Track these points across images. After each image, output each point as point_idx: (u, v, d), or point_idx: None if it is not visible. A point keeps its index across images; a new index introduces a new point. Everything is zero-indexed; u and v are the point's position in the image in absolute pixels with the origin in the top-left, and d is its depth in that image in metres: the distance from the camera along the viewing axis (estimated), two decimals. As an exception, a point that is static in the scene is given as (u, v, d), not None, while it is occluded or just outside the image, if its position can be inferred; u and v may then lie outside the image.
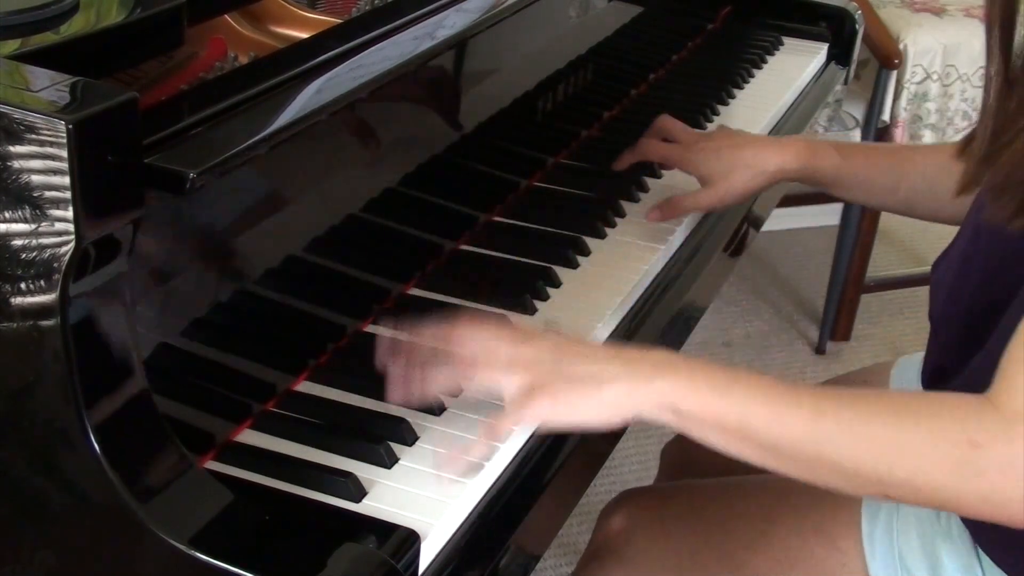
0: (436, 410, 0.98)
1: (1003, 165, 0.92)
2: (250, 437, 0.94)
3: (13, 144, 0.72)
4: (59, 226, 0.73)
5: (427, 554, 0.85)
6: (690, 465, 1.44)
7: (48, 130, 0.71)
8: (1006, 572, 1.02)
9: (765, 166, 1.27)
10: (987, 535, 1.03)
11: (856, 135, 2.53)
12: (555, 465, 0.99)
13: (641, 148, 1.36)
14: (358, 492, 0.88)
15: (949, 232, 1.16)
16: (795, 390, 0.88)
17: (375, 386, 0.99)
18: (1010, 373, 0.85)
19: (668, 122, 1.37)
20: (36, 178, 0.72)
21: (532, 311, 1.13)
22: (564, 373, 0.90)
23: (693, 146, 1.31)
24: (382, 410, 0.98)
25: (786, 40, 1.85)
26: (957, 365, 1.03)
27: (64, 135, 0.71)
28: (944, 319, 1.11)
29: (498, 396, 0.93)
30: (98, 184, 0.74)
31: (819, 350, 2.66)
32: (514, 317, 1.11)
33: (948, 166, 1.11)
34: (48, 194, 0.72)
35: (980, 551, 1.04)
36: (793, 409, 0.86)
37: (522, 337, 0.93)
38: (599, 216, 1.30)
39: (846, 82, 1.88)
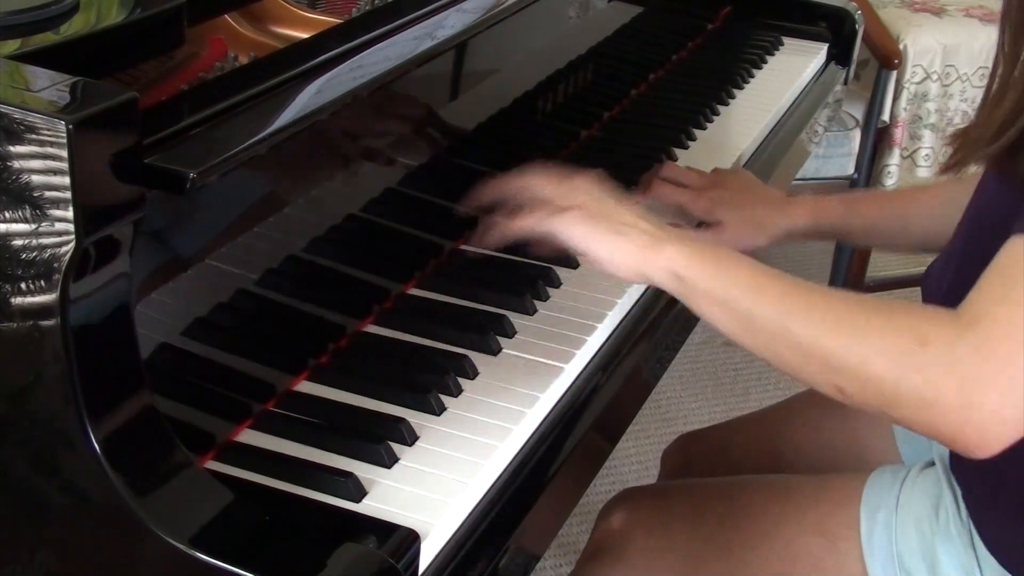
0: (436, 409, 0.98)
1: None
2: (250, 437, 0.94)
3: (13, 144, 0.72)
4: (59, 226, 0.73)
5: (427, 554, 0.85)
6: (690, 469, 1.44)
7: (48, 130, 0.71)
8: (1008, 570, 1.03)
9: (774, 230, 1.30)
10: (989, 532, 1.04)
11: (856, 135, 2.54)
12: (555, 465, 0.99)
13: (653, 191, 1.35)
14: (358, 492, 0.88)
15: (949, 232, 1.16)
16: (780, 276, 0.94)
17: (375, 386, 1.00)
18: (980, 286, 0.86)
19: (676, 170, 1.37)
20: (36, 178, 0.72)
21: (532, 311, 1.13)
22: (602, 209, 1.00)
23: (704, 193, 1.32)
24: (382, 410, 0.98)
25: (786, 40, 1.85)
26: None
27: (64, 135, 0.71)
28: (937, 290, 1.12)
29: (542, 198, 1.02)
30: (98, 184, 0.74)
31: (819, 350, 2.65)
32: (514, 317, 1.11)
33: (955, 200, 1.12)
34: (48, 194, 0.72)
35: (978, 551, 1.04)
36: (771, 286, 0.92)
37: (575, 174, 1.04)
38: (599, 216, 1.30)
39: (846, 82, 1.89)
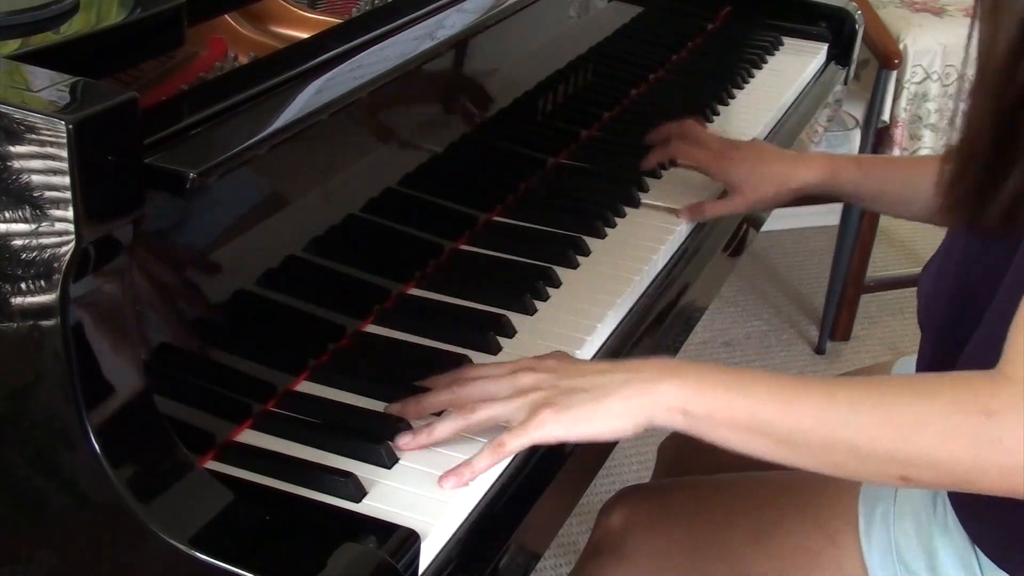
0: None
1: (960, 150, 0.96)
2: (250, 437, 0.94)
3: (13, 144, 0.72)
4: (59, 226, 0.73)
5: (427, 554, 0.85)
6: (687, 463, 1.44)
7: (48, 130, 0.71)
8: (1003, 568, 1.03)
9: (790, 182, 1.32)
10: (981, 531, 1.04)
11: (856, 135, 2.53)
12: (555, 465, 0.99)
13: (672, 150, 1.39)
14: (358, 492, 0.88)
15: (949, 232, 1.16)
16: (804, 380, 0.89)
17: (375, 386, 1.00)
18: (1016, 342, 0.85)
19: (696, 128, 1.40)
20: (36, 178, 0.72)
21: (532, 311, 1.13)
22: (565, 388, 0.90)
23: (723, 154, 1.35)
24: (382, 410, 0.98)
25: (786, 40, 1.85)
26: (948, 365, 1.04)
27: (64, 135, 0.71)
28: (929, 320, 1.13)
29: (497, 423, 0.92)
30: (98, 184, 0.74)
31: (819, 350, 2.66)
32: (514, 318, 1.11)
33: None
34: (48, 194, 0.72)
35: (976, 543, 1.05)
36: (803, 397, 0.86)
37: (520, 367, 0.94)
38: (599, 216, 1.30)
39: (846, 82, 1.89)
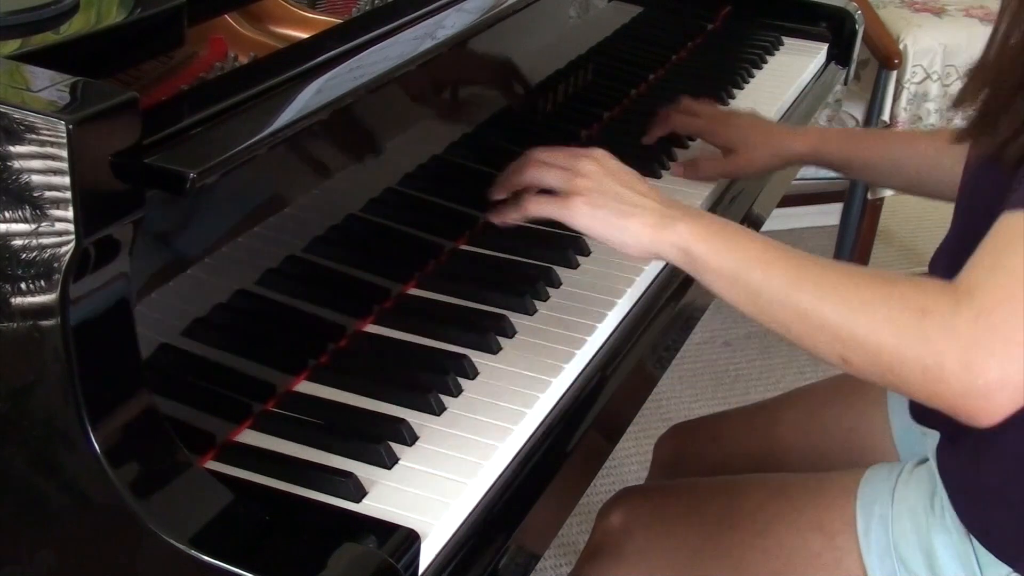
0: (436, 409, 0.98)
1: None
2: (250, 437, 0.94)
3: (13, 144, 0.72)
4: (59, 226, 0.73)
5: (427, 554, 0.85)
6: (683, 459, 1.44)
7: (48, 130, 0.71)
8: (1001, 559, 1.03)
9: (782, 150, 1.39)
10: (978, 521, 1.04)
11: (856, 135, 2.53)
12: (555, 465, 0.99)
13: (670, 121, 1.45)
14: (358, 492, 0.88)
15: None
16: (787, 249, 0.96)
17: (375, 386, 1.00)
18: (974, 259, 0.89)
19: (692, 103, 1.46)
20: (36, 178, 0.72)
21: (532, 311, 1.13)
22: (607, 190, 1.01)
23: (719, 119, 1.43)
24: (382, 410, 0.98)
25: (786, 40, 1.85)
26: None
27: (64, 135, 0.71)
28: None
29: (546, 185, 1.05)
30: (98, 184, 0.74)
31: (819, 350, 2.65)
32: (514, 318, 1.11)
33: (947, 149, 1.18)
34: (48, 194, 0.72)
35: (973, 540, 1.05)
36: (781, 259, 0.95)
37: (587, 154, 1.05)
38: (599, 216, 1.30)
39: (846, 82, 1.89)
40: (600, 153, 1.06)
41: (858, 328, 0.89)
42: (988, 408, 0.85)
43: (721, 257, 0.97)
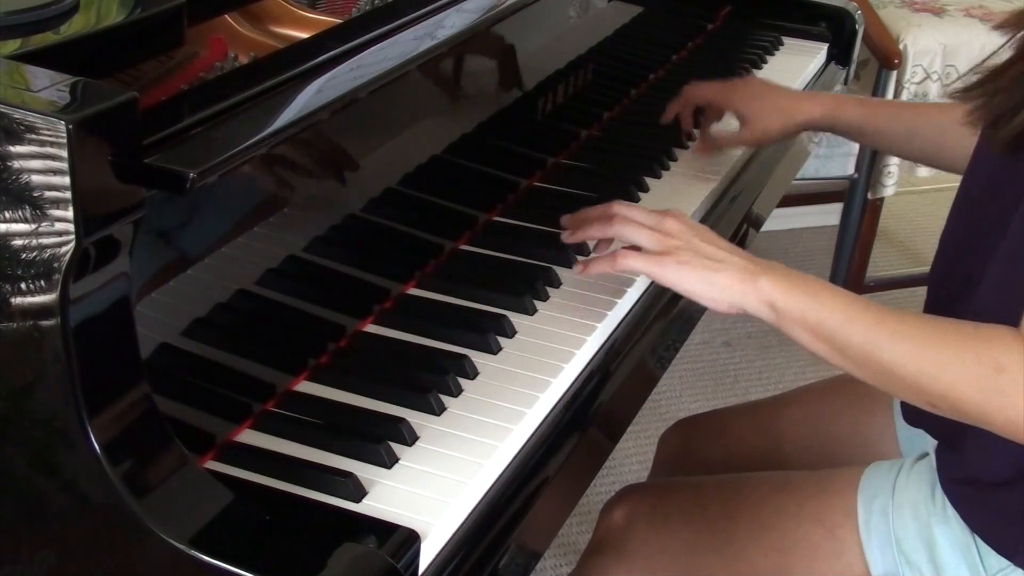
0: (436, 409, 0.98)
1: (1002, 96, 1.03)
2: (250, 437, 0.94)
3: (13, 144, 0.72)
4: (59, 226, 0.73)
5: (427, 554, 0.85)
6: (687, 455, 1.44)
7: (48, 130, 0.71)
8: (1002, 554, 1.03)
9: (796, 115, 1.42)
10: (977, 517, 1.04)
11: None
12: (555, 464, 0.99)
13: (683, 98, 1.49)
14: (358, 492, 0.88)
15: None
16: (867, 304, 1.01)
17: (375, 386, 1.00)
18: None
19: (695, 87, 1.49)
20: (36, 178, 0.72)
21: (532, 311, 1.13)
22: (694, 247, 1.06)
23: (731, 86, 1.48)
24: (382, 410, 0.98)
25: (786, 40, 1.85)
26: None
27: (64, 135, 0.71)
28: (939, 273, 1.18)
29: (634, 243, 1.08)
30: (98, 184, 0.74)
31: (819, 350, 2.65)
32: (514, 318, 1.11)
33: (959, 121, 1.17)
34: (48, 194, 0.72)
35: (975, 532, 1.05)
36: (861, 316, 0.99)
37: (670, 214, 1.09)
38: (599, 216, 1.30)
39: (846, 82, 1.89)
40: (679, 212, 1.10)
41: (939, 386, 0.95)
42: None
43: (804, 311, 1.01)
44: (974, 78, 1.08)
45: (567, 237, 1.17)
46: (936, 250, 1.19)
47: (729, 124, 1.49)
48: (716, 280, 1.03)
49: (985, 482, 1.05)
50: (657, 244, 1.06)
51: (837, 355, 1.00)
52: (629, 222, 1.09)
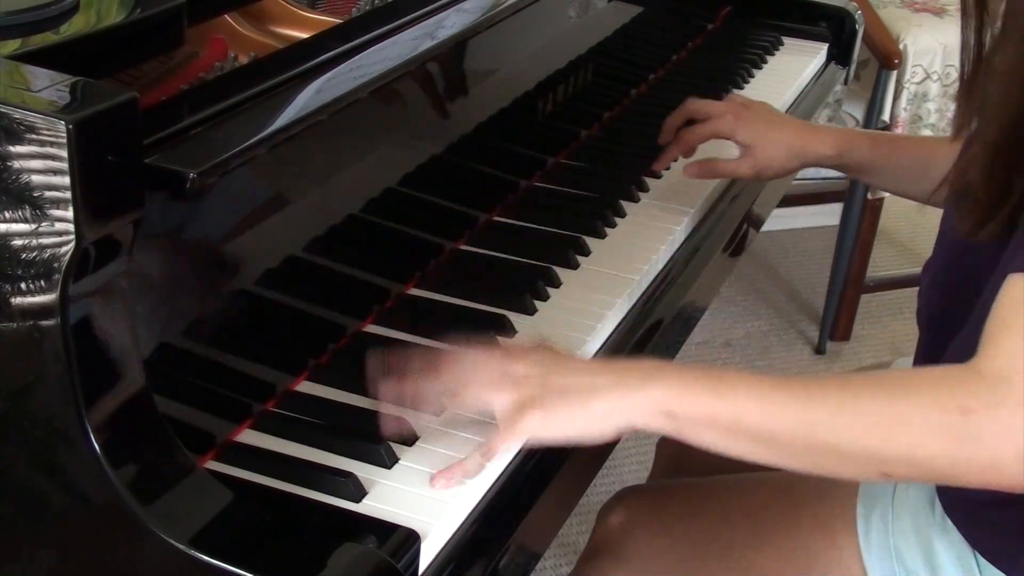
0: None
1: (962, 169, 0.95)
2: (250, 437, 0.94)
3: (13, 144, 0.72)
4: (59, 226, 0.73)
5: (427, 554, 0.85)
6: (686, 459, 1.44)
7: (48, 130, 0.71)
8: (1000, 568, 1.03)
9: (803, 153, 1.32)
10: (975, 531, 1.04)
11: (856, 135, 2.53)
12: (555, 465, 0.99)
13: (686, 140, 1.37)
14: (358, 492, 0.88)
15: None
16: (784, 380, 0.88)
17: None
18: (993, 336, 0.84)
19: (700, 107, 1.38)
20: (36, 178, 0.72)
21: (532, 311, 1.13)
22: (554, 387, 0.89)
23: (734, 114, 1.34)
24: (382, 410, 0.98)
25: (786, 40, 1.85)
26: (939, 357, 1.04)
27: (64, 135, 0.71)
28: (923, 312, 1.14)
29: (488, 414, 0.92)
30: (98, 184, 0.74)
31: (819, 350, 2.66)
32: (514, 318, 1.11)
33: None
34: (48, 194, 0.72)
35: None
36: (783, 398, 0.86)
37: (511, 355, 0.93)
38: (599, 216, 1.30)
39: (846, 82, 1.89)
40: (520, 349, 0.93)
41: (899, 448, 0.84)
42: None
43: (711, 409, 0.87)
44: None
45: (387, 430, 0.94)
46: (921, 284, 1.15)
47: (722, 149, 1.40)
48: (593, 412, 0.88)
49: (983, 494, 1.04)
50: (513, 401, 0.89)
51: (763, 449, 0.87)
52: (470, 386, 0.91)
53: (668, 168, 1.43)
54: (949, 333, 1.03)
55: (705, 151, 1.39)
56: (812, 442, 0.86)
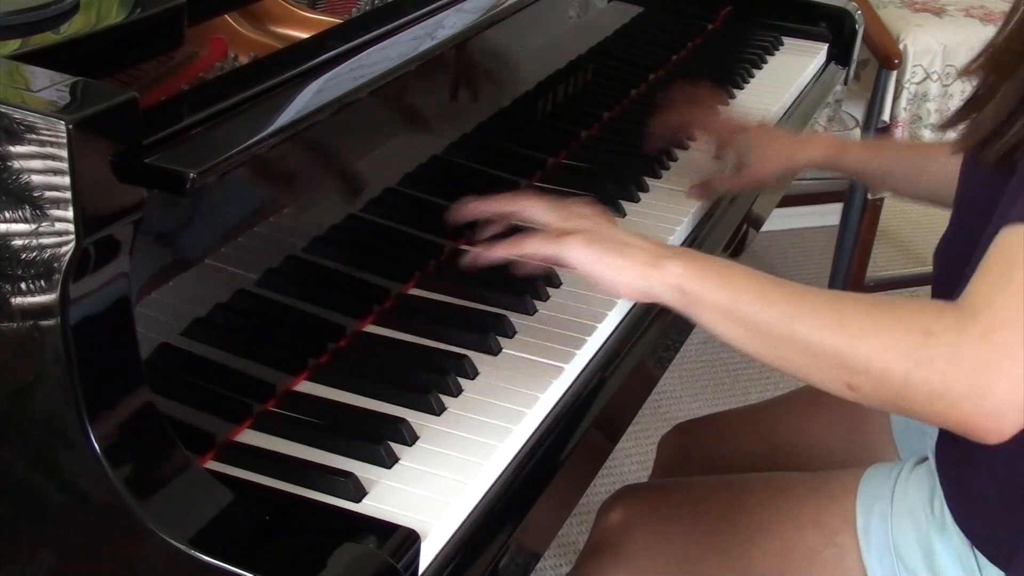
0: (436, 409, 0.98)
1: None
2: (250, 437, 0.94)
3: (13, 144, 0.72)
4: (59, 226, 0.73)
5: (427, 554, 0.85)
6: (687, 457, 1.44)
7: (48, 130, 0.71)
8: (1001, 568, 1.03)
9: (796, 157, 1.39)
10: (975, 529, 1.05)
11: (856, 135, 2.54)
12: (555, 464, 0.99)
13: (688, 115, 1.46)
14: (358, 492, 0.88)
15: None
16: (783, 283, 0.95)
17: (375, 386, 1.00)
18: (977, 276, 0.87)
19: (711, 96, 1.49)
20: (36, 178, 0.72)
21: (532, 311, 1.13)
22: (603, 232, 1.01)
23: (735, 125, 1.43)
24: (382, 410, 0.98)
25: (786, 40, 1.85)
26: None
27: (64, 135, 0.71)
28: (940, 286, 1.16)
29: (536, 222, 1.05)
30: (98, 184, 0.74)
31: (819, 350, 2.65)
32: (514, 318, 1.11)
33: (949, 151, 1.16)
34: (48, 194, 0.72)
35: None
36: (776, 292, 0.94)
37: (578, 201, 1.06)
38: (599, 216, 1.30)
39: (846, 82, 1.89)
40: (590, 199, 1.06)
41: (861, 354, 0.88)
42: (998, 427, 0.85)
43: (715, 293, 0.96)
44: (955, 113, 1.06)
45: (454, 214, 1.11)
46: (933, 267, 1.18)
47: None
48: (623, 265, 0.99)
49: (983, 489, 1.05)
50: (561, 221, 1.03)
51: (751, 336, 0.95)
52: (533, 200, 1.06)
53: (673, 161, 1.45)
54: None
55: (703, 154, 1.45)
56: (789, 336, 0.92)
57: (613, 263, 0.99)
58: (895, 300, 0.93)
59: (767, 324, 0.93)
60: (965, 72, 1.08)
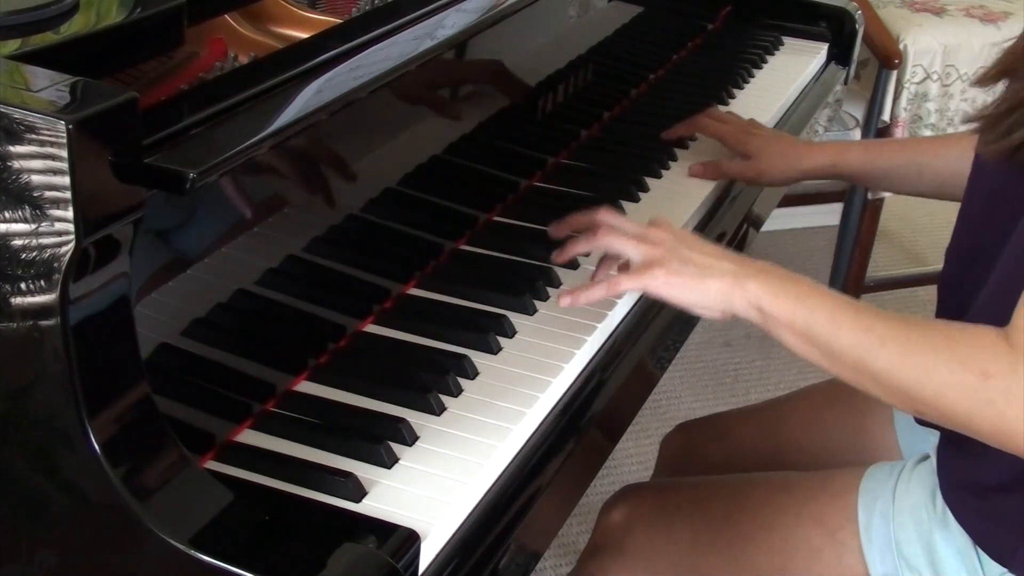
0: (436, 409, 0.98)
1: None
2: (250, 437, 0.94)
3: (13, 144, 0.72)
4: (59, 226, 0.73)
5: (427, 554, 0.85)
6: (689, 457, 1.44)
7: (48, 130, 0.71)
8: (1002, 564, 1.03)
9: (800, 162, 1.42)
10: (976, 526, 1.05)
11: (856, 135, 2.54)
12: (555, 464, 0.99)
13: (697, 123, 1.49)
14: (358, 492, 0.88)
15: (949, 233, 1.17)
16: (856, 307, 0.99)
17: (375, 386, 1.00)
18: (1022, 309, 0.91)
19: (719, 112, 1.52)
20: (36, 178, 0.72)
21: (532, 311, 1.13)
22: (682, 256, 1.04)
23: (744, 128, 1.47)
24: (382, 410, 0.98)
25: (786, 40, 1.85)
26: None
27: (64, 135, 0.71)
28: (947, 284, 1.18)
29: (621, 256, 1.09)
30: (98, 184, 0.74)
31: (819, 350, 2.65)
32: (514, 317, 1.11)
33: (967, 151, 1.17)
34: (48, 194, 0.72)
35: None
36: (849, 321, 0.97)
37: (654, 223, 1.09)
38: (599, 216, 1.30)
39: (846, 82, 1.89)
40: (664, 219, 1.09)
41: (927, 393, 0.93)
42: None
43: (792, 315, 0.99)
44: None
45: (557, 257, 1.16)
46: (943, 264, 1.19)
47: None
48: (706, 289, 1.02)
49: (985, 486, 1.05)
50: (644, 255, 1.05)
51: (826, 360, 0.99)
52: (614, 233, 1.08)
53: (673, 161, 1.45)
54: (961, 298, 1.09)
55: (702, 155, 1.47)
56: (861, 366, 0.97)
57: (697, 288, 1.03)
58: (954, 332, 0.96)
59: (839, 351, 0.97)
60: (980, 83, 1.09)
